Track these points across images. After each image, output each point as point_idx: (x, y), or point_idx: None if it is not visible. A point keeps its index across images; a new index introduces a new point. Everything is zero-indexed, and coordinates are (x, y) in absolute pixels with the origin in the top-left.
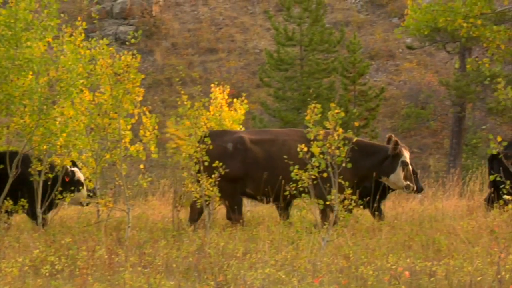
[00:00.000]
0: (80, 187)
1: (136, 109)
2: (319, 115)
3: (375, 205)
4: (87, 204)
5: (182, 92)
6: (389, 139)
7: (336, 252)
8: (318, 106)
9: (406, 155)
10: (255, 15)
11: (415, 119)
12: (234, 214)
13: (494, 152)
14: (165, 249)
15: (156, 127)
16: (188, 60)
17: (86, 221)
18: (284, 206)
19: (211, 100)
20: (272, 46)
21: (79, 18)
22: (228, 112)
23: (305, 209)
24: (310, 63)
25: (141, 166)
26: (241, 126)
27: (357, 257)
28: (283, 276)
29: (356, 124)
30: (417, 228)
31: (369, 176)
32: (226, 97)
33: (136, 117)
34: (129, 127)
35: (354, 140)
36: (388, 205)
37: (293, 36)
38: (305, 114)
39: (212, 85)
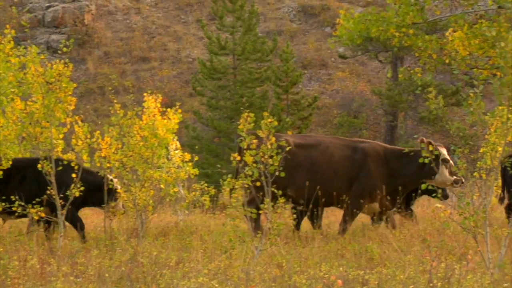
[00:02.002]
0: (117, 196)
1: (68, 118)
2: (252, 124)
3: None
4: (123, 213)
5: (115, 101)
6: (421, 142)
7: (269, 261)
8: (251, 115)
9: (444, 152)
10: (188, 24)
11: (348, 128)
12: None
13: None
14: (98, 259)
15: (89, 136)
16: (121, 68)
17: (17, 230)
18: (319, 213)
19: (144, 109)
20: (205, 55)
21: (7, 26)
22: (161, 121)
23: (238, 218)
24: (243, 72)
25: (73, 175)
26: (174, 135)
27: (290, 266)
28: (216, 285)
29: (289, 133)
30: (349, 236)
31: (413, 183)
32: (159, 106)
33: (69, 126)
34: (61, 136)
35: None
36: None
37: (226, 45)
38: (238, 123)
39: (145, 94)
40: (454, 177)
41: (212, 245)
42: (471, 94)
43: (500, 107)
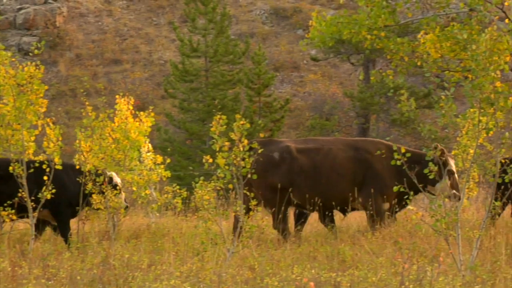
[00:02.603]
0: (118, 192)
1: (39, 120)
2: (224, 127)
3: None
4: (126, 208)
5: (87, 103)
6: (435, 148)
7: (241, 263)
8: (223, 117)
9: (452, 164)
10: (159, 26)
11: (320, 130)
12: (279, 224)
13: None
14: (69, 261)
15: (60, 139)
16: (93, 71)
17: None
18: (331, 216)
19: (116, 112)
20: (177, 57)
21: None
22: (133, 124)
23: (210, 221)
24: (215, 75)
25: (45, 177)
26: (146, 137)
27: (262, 268)
28: None
29: (262, 135)
30: (322, 239)
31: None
32: (131, 108)
33: (40, 129)
34: (32, 138)
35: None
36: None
37: (198, 48)
38: (210, 125)
39: (117, 96)
40: (453, 191)
41: (184, 248)
42: (443, 97)
43: (471, 110)
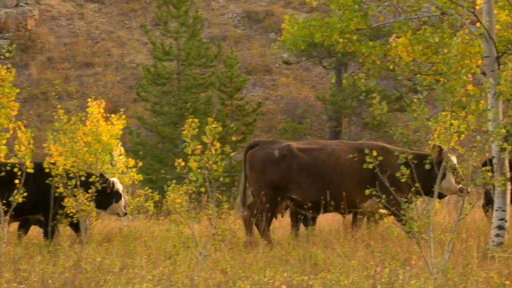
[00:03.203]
0: (119, 199)
1: (11, 124)
2: (197, 130)
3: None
4: (125, 215)
5: (59, 106)
6: (434, 147)
7: (214, 266)
8: (196, 120)
9: (454, 159)
10: (132, 29)
11: (292, 133)
12: (262, 222)
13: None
14: (41, 265)
15: (32, 142)
16: (64, 74)
17: None
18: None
19: (88, 115)
20: (149, 60)
21: None
22: (105, 127)
23: (182, 224)
24: (187, 78)
25: (16, 181)
26: (118, 141)
27: (234, 272)
28: None
29: (234, 138)
30: (294, 242)
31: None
32: (103, 111)
33: (11, 132)
34: (4, 141)
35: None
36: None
37: (170, 51)
38: (183, 128)
39: (88, 99)
40: (460, 185)
41: (156, 251)
42: (415, 100)
43: (443, 113)
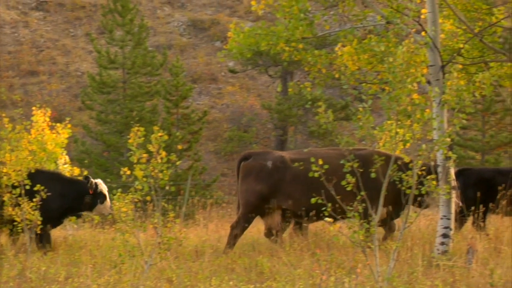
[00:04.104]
0: (103, 199)
1: None
2: (142, 138)
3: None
4: (110, 215)
5: (3, 115)
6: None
7: (159, 275)
8: (141, 129)
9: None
10: (77, 37)
11: (238, 142)
12: (236, 227)
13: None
14: None
15: None
16: (9, 82)
17: None
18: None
19: (33, 123)
20: (95, 69)
21: None
22: (50, 135)
23: (128, 233)
24: (133, 86)
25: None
26: (63, 149)
27: (180, 281)
28: None
29: (179, 147)
30: (240, 251)
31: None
32: (48, 120)
33: None
34: None
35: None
36: (211, 228)
37: (116, 59)
38: (128, 137)
39: (33, 108)
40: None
41: (102, 260)
42: (360, 109)
43: (388, 122)
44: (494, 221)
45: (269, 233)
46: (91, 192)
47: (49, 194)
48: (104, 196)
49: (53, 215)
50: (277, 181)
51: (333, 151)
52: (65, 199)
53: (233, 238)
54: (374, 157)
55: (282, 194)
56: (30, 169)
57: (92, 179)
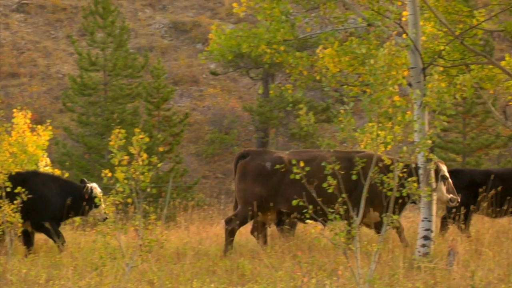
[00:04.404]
0: (98, 203)
1: None
2: (123, 140)
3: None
4: (105, 220)
5: None
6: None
7: (141, 278)
8: (122, 131)
9: (444, 169)
10: (58, 39)
11: (219, 144)
12: (231, 225)
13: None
14: None
15: None
16: None
17: None
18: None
19: (14, 125)
20: (76, 71)
21: None
22: (31, 138)
23: (109, 235)
24: (114, 88)
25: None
26: (44, 152)
27: (161, 283)
28: None
29: (161, 149)
30: (221, 253)
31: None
32: (29, 122)
33: None
34: None
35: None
36: (192, 230)
37: (97, 61)
38: (109, 139)
39: (14, 110)
40: (451, 195)
41: (83, 262)
42: (342, 111)
43: (369, 124)
44: (475, 223)
45: (254, 229)
46: (86, 197)
47: (48, 194)
48: (99, 200)
49: (55, 215)
50: (276, 183)
51: (332, 153)
52: (63, 201)
53: (230, 234)
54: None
55: (281, 197)
56: (28, 171)
57: (88, 184)
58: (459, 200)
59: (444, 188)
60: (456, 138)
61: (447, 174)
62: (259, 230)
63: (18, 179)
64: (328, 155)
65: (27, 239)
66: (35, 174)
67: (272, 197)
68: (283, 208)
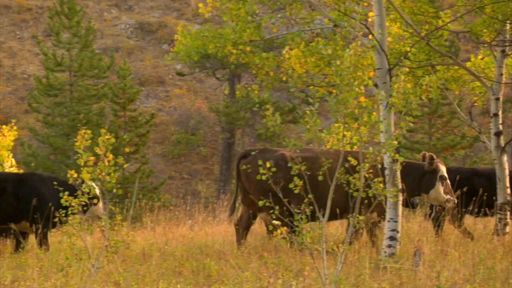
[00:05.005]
0: (97, 201)
1: None
2: (89, 141)
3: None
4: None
5: None
6: (424, 156)
7: (107, 278)
8: (88, 132)
9: (443, 169)
10: (23, 40)
11: (186, 145)
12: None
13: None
14: None
15: None
16: None
17: None
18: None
19: None
20: (41, 71)
21: None
22: None
23: (75, 236)
24: (80, 89)
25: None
26: (9, 152)
27: (127, 284)
28: None
29: (127, 150)
30: (187, 254)
31: (409, 195)
32: None
33: None
34: None
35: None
36: (158, 231)
37: (62, 62)
38: (75, 140)
39: None
40: (448, 196)
41: (48, 263)
42: (308, 112)
43: (336, 124)
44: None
45: (239, 222)
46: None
47: (46, 194)
48: (98, 198)
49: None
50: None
51: (332, 151)
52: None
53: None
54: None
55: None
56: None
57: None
58: (456, 201)
59: (441, 189)
60: (422, 139)
61: (446, 175)
62: (242, 225)
63: (16, 179)
64: (330, 153)
65: (18, 241)
66: (32, 174)
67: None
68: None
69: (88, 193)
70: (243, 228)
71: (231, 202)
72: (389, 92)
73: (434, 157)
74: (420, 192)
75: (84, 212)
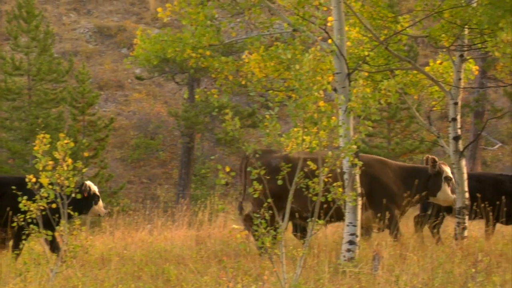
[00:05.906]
0: (97, 200)
1: None
2: (48, 146)
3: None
4: (105, 214)
5: None
6: (427, 160)
7: (65, 283)
8: (47, 136)
9: (448, 170)
10: None
11: (145, 149)
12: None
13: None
14: None
15: None
16: None
17: None
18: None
19: None
20: None
21: None
22: None
23: (33, 240)
24: (38, 93)
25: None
26: None
27: None
28: None
29: (86, 154)
30: (146, 258)
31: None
32: None
33: None
34: None
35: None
36: (117, 235)
37: (21, 66)
38: (34, 144)
39: None
40: (455, 195)
41: (6, 268)
42: (267, 116)
43: (295, 129)
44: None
45: (247, 221)
46: (85, 195)
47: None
48: (98, 197)
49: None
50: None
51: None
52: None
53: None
54: (371, 162)
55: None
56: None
57: (85, 182)
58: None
59: (448, 189)
60: (381, 143)
61: (451, 175)
62: (251, 223)
63: (16, 182)
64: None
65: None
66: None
67: (282, 193)
68: (295, 206)
69: (89, 193)
70: (251, 226)
71: (239, 202)
72: (348, 96)
73: (436, 159)
74: (427, 196)
75: (87, 212)
